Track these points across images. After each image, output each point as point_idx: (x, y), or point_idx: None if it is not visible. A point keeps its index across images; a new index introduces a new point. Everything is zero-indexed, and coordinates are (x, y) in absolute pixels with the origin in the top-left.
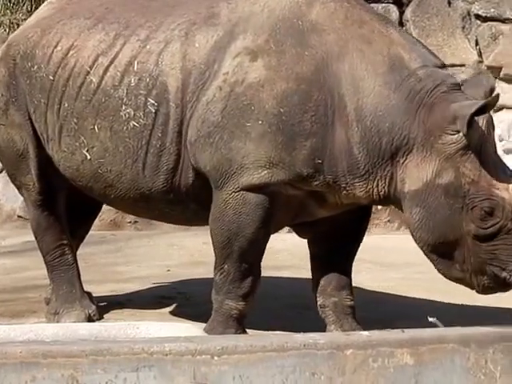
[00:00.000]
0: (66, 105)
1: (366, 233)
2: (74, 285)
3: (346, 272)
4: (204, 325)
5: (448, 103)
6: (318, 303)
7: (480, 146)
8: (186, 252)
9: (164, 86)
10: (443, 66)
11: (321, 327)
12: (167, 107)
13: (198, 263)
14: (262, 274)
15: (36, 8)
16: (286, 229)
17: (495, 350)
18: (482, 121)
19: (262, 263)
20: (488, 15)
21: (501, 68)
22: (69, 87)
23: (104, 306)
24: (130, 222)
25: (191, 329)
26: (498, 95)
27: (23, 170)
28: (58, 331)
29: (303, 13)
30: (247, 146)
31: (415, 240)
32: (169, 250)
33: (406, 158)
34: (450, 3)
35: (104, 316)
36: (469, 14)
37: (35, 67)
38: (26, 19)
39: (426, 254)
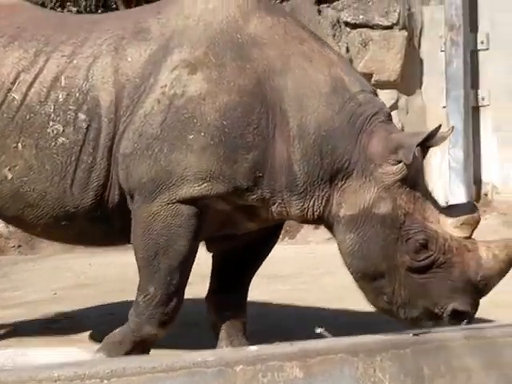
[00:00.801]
0: None
1: None
2: None
3: (244, 289)
4: (93, 347)
5: (388, 133)
6: (211, 317)
7: (415, 178)
8: (72, 274)
9: (95, 100)
10: (375, 93)
11: (212, 344)
12: (99, 122)
13: (84, 285)
14: None
15: None
16: None
17: (383, 358)
18: (416, 153)
19: None
20: (357, 22)
21: (372, 74)
22: None
23: None
24: (14, 247)
25: (80, 353)
26: (439, 126)
27: None
28: None
29: (241, 26)
30: (188, 158)
31: (346, 265)
32: (54, 273)
33: (345, 182)
34: (320, 11)
35: None
36: (338, 21)
37: None
38: None
39: (355, 280)
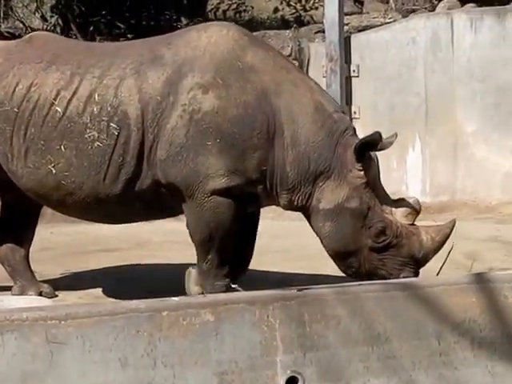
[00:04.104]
0: (33, 130)
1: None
2: None
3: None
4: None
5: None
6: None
7: (374, 180)
8: (38, 240)
9: (124, 113)
10: (344, 112)
11: (142, 296)
12: (128, 130)
13: (47, 248)
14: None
15: None
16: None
17: (274, 307)
18: (374, 163)
19: (95, 247)
20: None
21: None
22: (35, 116)
23: None
24: None
25: (42, 300)
26: (377, 133)
27: None
28: None
29: (239, 56)
30: (209, 159)
31: (323, 245)
32: None
33: (325, 183)
34: None
35: None
36: None
37: None
38: None
39: (330, 256)
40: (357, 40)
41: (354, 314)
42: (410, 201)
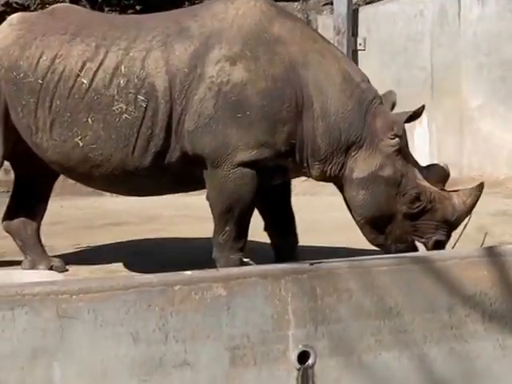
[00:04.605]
0: (59, 102)
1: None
2: None
3: None
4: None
5: (385, 114)
6: None
7: (404, 148)
8: (48, 214)
9: (152, 85)
10: (369, 81)
11: (154, 270)
12: (156, 102)
13: (57, 222)
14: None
15: None
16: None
17: (286, 280)
18: (404, 132)
19: (106, 221)
20: None
21: None
22: (60, 88)
23: None
24: (3, 192)
25: (53, 274)
26: (422, 106)
27: None
28: None
29: (266, 28)
30: (239, 132)
31: (355, 214)
32: None
33: (357, 152)
34: None
35: None
36: None
37: (21, 75)
38: None
39: (360, 225)
40: (364, 12)
41: (366, 288)
42: (439, 166)
